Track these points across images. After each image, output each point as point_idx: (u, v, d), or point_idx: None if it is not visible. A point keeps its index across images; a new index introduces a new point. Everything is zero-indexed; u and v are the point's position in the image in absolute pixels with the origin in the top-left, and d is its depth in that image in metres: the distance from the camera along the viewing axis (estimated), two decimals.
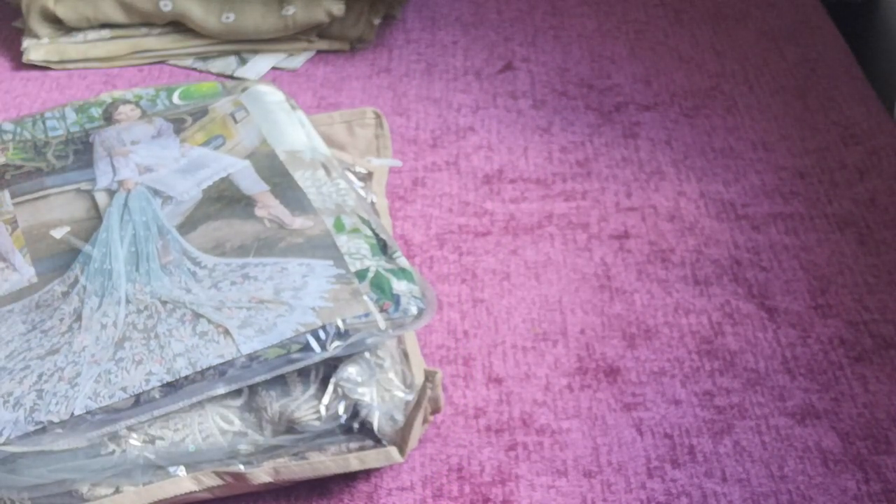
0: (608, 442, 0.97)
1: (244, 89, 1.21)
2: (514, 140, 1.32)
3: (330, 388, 0.94)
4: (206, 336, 0.94)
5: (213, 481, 0.91)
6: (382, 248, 1.02)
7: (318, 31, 1.49)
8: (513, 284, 1.13)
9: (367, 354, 0.97)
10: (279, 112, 1.17)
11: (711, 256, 1.16)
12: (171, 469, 0.91)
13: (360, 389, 0.94)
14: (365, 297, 0.96)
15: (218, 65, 1.47)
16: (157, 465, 0.91)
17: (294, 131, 1.15)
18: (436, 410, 0.95)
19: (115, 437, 0.91)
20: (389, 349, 0.99)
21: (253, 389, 0.95)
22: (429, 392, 0.93)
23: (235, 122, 1.15)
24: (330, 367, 0.95)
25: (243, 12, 1.46)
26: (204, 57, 1.48)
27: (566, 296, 1.11)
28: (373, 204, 1.17)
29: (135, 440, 0.92)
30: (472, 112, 1.38)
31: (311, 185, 1.07)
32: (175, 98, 1.22)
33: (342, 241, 1.01)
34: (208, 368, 0.92)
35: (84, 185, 1.10)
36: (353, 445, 0.93)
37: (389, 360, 0.98)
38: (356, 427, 0.93)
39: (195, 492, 0.91)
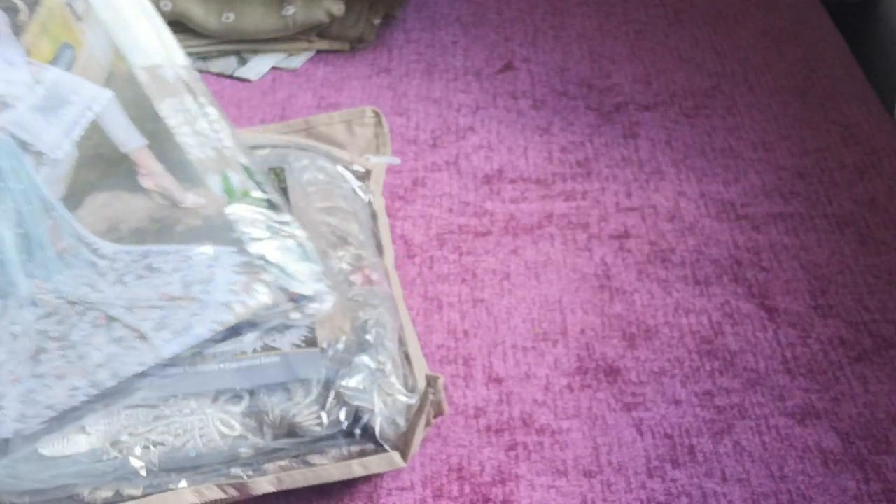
0: (608, 442, 0.97)
1: None
2: (514, 140, 1.32)
3: (331, 394, 0.94)
4: (124, 342, 0.88)
5: (215, 494, 0.90)
6: (272, 207, 0.94)
7: (318, 31, 1.49)
8: (513, 284, 1.13)
9: (367, 359, 0.96)
10: (123, 3, 0.97)
11: (711, 256, 1.16)
12: (173, 480, 0.90)
13: (362, 395, 0.94)
14: (274, 288, 0.90)
15: (218, 65, 1.47)
16: (159, 470, 0.91)
17: (146, 33, 0.96)
18: (439, 414, 0.95)
19: (116, 442, 0.91)
20: (391, 352, 0.99)
21: (254, 395, 0.94)
22: (431, 397, 0.93)
23: (78, 18, 0.96)
24: (332, 370, 0.95)
25: (243, 12, 1.46)
26: (204, 57, 1.48)
27: (566, 296, 1.11)
28: (370, 203, 1.17)
29: (136, 446, 0.91)
30: (472, 112, 1.38)
31: (184, 123, 0.94)
32: None
33: (236, 213, 0.92)
34: (132, 380, 0.88)
35: None
36: (354, 449, 0.93)
37: (391, 364, 0.98)
38: (358, 432, 0.93)
39: None
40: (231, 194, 0.93)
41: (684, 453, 0.96)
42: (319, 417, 0.93)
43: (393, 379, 0.97)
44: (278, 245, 0.92)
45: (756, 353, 1.05)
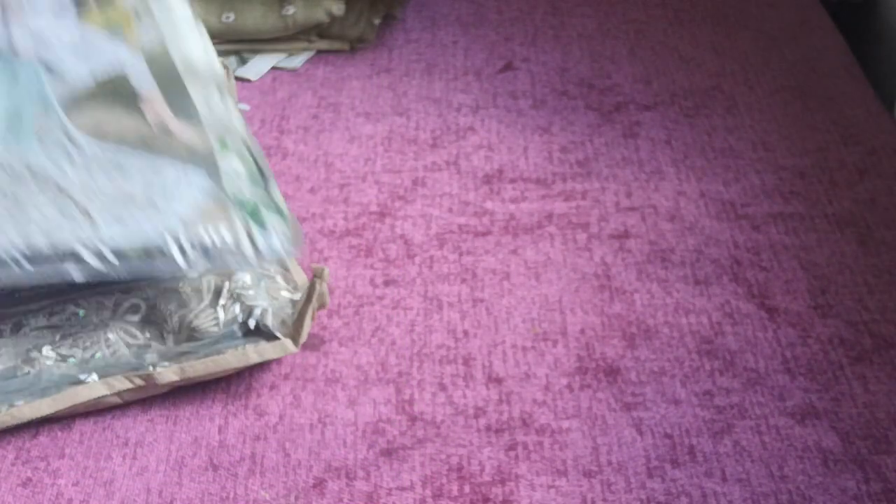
0: (608, 442, 0.97)
1: None
2: (514, 140, 1.33)
3: (225, 292, 1.02)
4: (67, 213, 0.94)
5: (123, 385, 0.98)
6: (260, 175, 1.03)
7: (318, 31, 1.49)
8: (513, 284, 1.13)
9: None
10: (182, 20, 1.15)
11: (711, 256, 1.16)
12: (83, 376, 0.98)
13: (251, 293, 1.02)
14: (237, 222, 0.98)
15: None
16: (70, 377, 0.98)
17: (194, 42, 1.13)
18: (322, 306, 1.03)
19: (28, 359, 0.98)
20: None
21: (151, 304, 1.01)
22: (318, 287, 1.00)
23: (139, 18, 1.12)
24: (220, 277, 1.03)
25: (243, 12, 1.46)
26: None
27: (566, 296, 1.11)
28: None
29: (48, 360, 0.99)
30: (472, 112, 1.38)
31: (202, 99, 1.06)
32: None
33: (224, 159, 1.01)
34: (66, 250, 0.94)
35: None
36: (250, 347, 1.00)
37: (274, 267, 1.07)
38: (253, 324, 1.01)
39: (107, 395, 0.98)
40: (223, 146, 1.01)
41: (684, 453, 0.96)
42: (216, 317, 1.00)
43: (278, 279, 1.04)
44: (254, 193, 1.00)
45: (756, 353, 1.05)
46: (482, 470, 0.95)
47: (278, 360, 1.04)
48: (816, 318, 1.08)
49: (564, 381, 1.03)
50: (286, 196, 1.24)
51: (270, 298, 1.03)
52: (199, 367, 1.00)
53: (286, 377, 1.04)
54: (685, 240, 1.18)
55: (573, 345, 1.06)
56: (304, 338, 1.02)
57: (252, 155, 1.03)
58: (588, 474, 0.95)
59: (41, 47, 1.06)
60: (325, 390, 1.03)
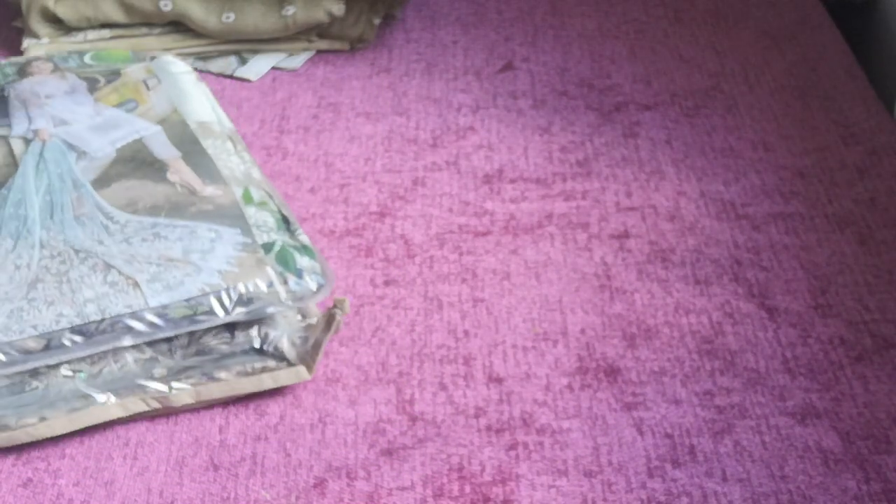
0: (608, 442, 0.97)
1: (153, 58, 1.27)
2: (514, 140, 1.33)
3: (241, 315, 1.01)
4: (116, 286, 0.98)
5: (138, 407, 0.98)
6: (285, 223, 1.07)
7: (318, 31, 1.49)
8: (513, 284, 1.13)
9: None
10: (187, 84, 1.23)
11: (711, 256, 1.16)
12: (100, 397, 0.98)
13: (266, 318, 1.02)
14: (269, 269, 1.01)
15: (218, 64, 1.47)
16: (81, 393, 0.97)
17: (202, 103, 1.20)
18: (335, 333, 1.02)
19: (35, 374, 0.97)
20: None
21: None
22: (338, 317, 1.00)
23: (148, 88, 1.21)
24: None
25: (243, 12, 1.46)
26: (204, 57, 1.48)
27: (566, 296, 1.12)
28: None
29: (56, 375, 0.98)
30: (472, 112, 1.38)
31: (221, 154, 1.13)
32: (86, 59, 1.27)
33: (250, 212, 1.06)
34: (117, 320, 0.97)
35: (1, 132, 1.15)
36: (256, 365, 1.00)
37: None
38: (269, 349, 1.01)
39: (122, 418, 0.98)
40: (249, 200, 1.06)
41: (685, 453, 0.96)
42: (227, 337, 1.00)
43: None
44: (282, 239, 1.03)
45: (756, 353, 1.05)
46: (483, 470, 0.95)
47: None
48: (817, 318, 1.08)
49: (565, 381, 1.03)
50: (286, 196, 1.24)
51: (283, 321, 1.03)
52: (215, 389, 1.00)
53: None
54: (685, 240, 1.18)
55: (573, 345, 1.06)
56: (317, 365, 1.01)
57: (275, 202, 1.08)
58: (589, 474, 0.95)
59: (61, 128, 1.14)
60: (325, 390, 1.03)
